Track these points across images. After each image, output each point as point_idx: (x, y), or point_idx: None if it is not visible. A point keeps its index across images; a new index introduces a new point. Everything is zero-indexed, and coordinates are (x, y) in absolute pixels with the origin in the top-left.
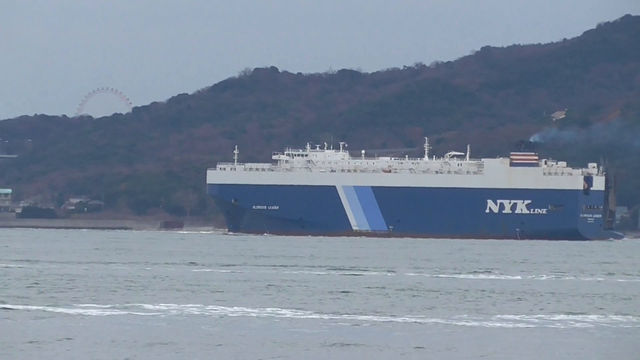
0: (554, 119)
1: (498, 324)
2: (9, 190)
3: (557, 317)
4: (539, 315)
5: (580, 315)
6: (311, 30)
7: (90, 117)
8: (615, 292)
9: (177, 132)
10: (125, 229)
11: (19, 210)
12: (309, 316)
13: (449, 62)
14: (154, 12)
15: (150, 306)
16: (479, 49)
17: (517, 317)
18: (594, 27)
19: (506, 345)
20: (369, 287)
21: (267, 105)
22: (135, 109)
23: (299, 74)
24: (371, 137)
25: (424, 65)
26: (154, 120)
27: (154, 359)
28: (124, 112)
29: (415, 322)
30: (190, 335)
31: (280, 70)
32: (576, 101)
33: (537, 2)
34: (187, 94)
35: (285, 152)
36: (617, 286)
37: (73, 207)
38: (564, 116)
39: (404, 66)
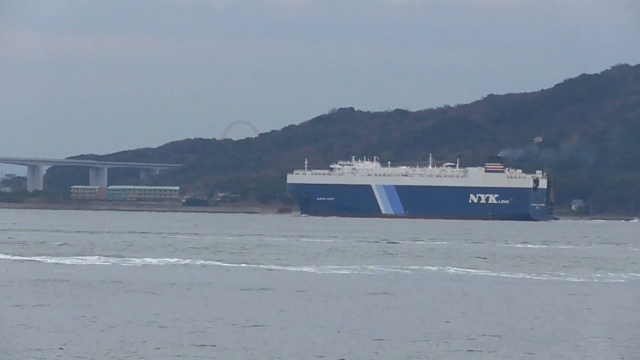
0: (535, 142)
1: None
2: (177, 188)
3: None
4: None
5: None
6: (377, 82)
7: (230, 139)
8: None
9: (288, 150)
10: (254, 213)
11: (183, 201)
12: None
13: (466, 104)
14: (274, 68)
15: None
16: (486, 96)
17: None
18: (562, 81)
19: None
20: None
21: (347, 133)
22: (261, 134)
23: (368, 111)
24: (415, 154)
25: (450, 106)
26: (273, 142)
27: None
28: (253, 137)
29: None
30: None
31: (355, 109)
32: (550, 130)
33: (524, 65)
34: (294, 124)
35: (338, 163)
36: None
37: (219, 199)
38: (541, 140)
39: (437, 107)
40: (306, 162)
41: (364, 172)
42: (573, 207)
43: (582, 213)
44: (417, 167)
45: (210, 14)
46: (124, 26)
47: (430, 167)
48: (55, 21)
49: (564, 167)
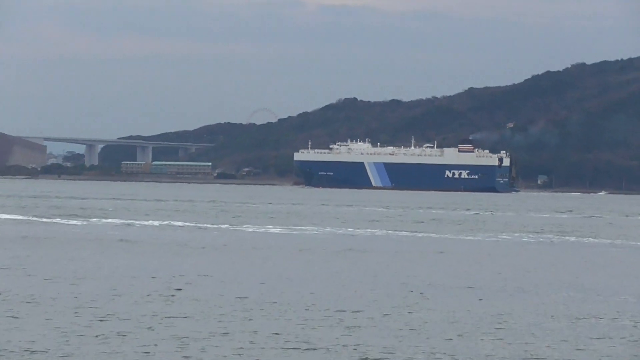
0: (508, 127)
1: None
2: (210, 163)
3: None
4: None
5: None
6: (376, 76)
7: (254, 124)
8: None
9: (301, 133)
10: (273, 184)
11: (215, 175)
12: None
13: (450, 95)
14: (290, 64)
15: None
16: (467, 88)
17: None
18: (530, 77)
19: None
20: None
21: (351, 119)
22: (279, 119)
23: (369, 101)
24: (408, 136)
25: (436, 97)
26: (289, 126)
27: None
28: (273, 121)
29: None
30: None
31: (358, 99)
32: (520, 118)
33: (499, 63)
34: (307, 111)
35: (336, 144)
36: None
37: (245, 173)
38: (513, 126)
39: (426, 97)
40: (309, 143)
41: (357, 151)
42: (539, 182)
43: (546, 187)
44: (402, 148)
45: (237, 20)
46: (165, 29)
47: (412, 147)
48: (109, 26)
49: (532, 148)
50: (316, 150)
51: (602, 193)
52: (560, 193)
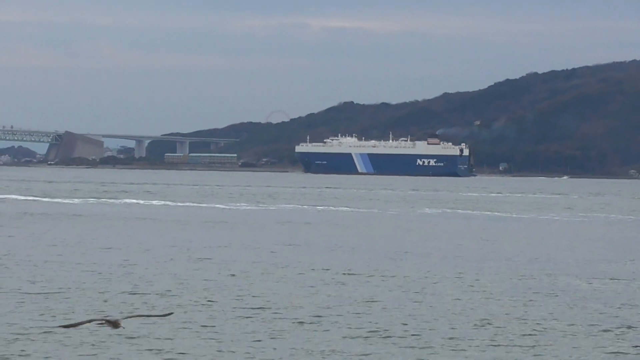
0: (475, 125)
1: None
2: (235, 155)
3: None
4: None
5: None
6: (369, 83)
7: (271, 122)
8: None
9: (309, 130)
10: (286, 172)
11: (239, 164)
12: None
13: (429, 99)
14: (299, 75)
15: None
16: (442, 93)
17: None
18: (493, 83)
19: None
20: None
21: (349, 119)
22: (292, 119)
23: (363, 104)
24: (395, 132)
25: (418, 100)
26: (299, 124)
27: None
28: (286, 121)
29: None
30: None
31: (355, 103)
32: (485, 116)
33: (468, 72)
34: (314, 112)
35: (330, 138)
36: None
37: (264, 163)
38: (479, 123)
39: (409, 100)
40: (308, 137)
41: (346, 144)
42: (500, 168)
43: (506, 172)
44: (382, 141)
45: (255, 39)
46: (198, 47)
47: (391, 141)
48: (152, 44)
49: (495, 141)
50: (313, 143)
51: (565, 177)
52: (522, 177)
